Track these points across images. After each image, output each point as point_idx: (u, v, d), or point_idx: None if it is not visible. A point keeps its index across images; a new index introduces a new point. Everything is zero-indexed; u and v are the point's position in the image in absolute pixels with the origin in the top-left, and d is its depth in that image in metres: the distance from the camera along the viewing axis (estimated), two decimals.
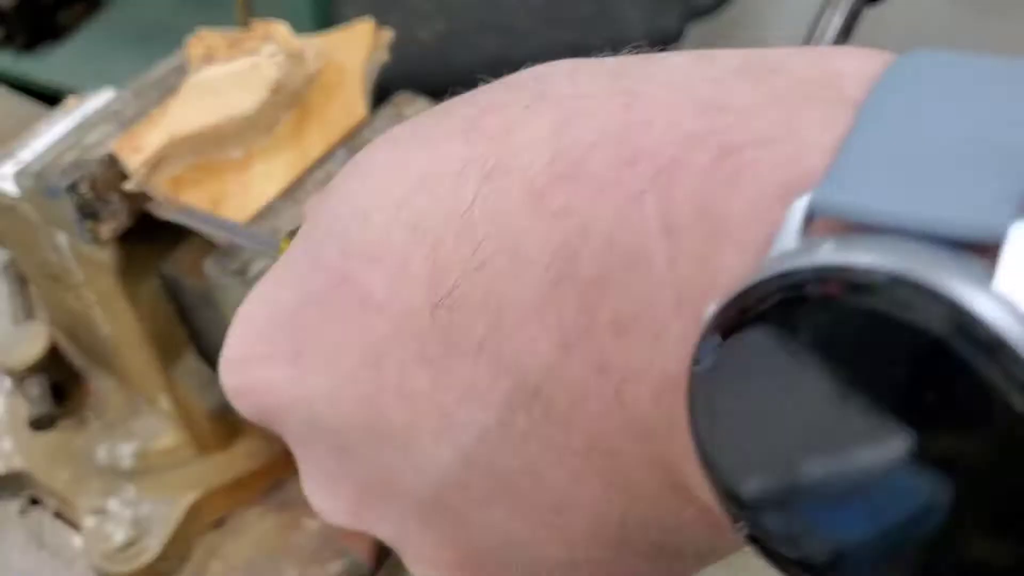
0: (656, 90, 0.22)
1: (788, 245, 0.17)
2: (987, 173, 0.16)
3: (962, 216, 0.16)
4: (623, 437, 0.22)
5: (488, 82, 0.28)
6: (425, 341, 0.24)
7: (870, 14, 0.66)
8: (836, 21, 0.64)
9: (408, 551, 0.29)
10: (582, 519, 0.24)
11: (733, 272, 0.19)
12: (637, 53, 0.26)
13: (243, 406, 0.30)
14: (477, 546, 0.27)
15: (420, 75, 1.65)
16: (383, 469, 0.27)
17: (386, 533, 0.29)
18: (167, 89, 0.56)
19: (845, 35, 0.64)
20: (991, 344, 0.15)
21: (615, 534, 0.24)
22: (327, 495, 0.30)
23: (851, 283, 0.16)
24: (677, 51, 0.24)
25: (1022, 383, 0.15)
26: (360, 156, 0.29)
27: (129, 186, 0.51)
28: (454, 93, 0.33)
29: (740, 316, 0.18)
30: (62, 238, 0.59)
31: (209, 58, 0.55)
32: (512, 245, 0.22)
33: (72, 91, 0.66)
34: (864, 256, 0.16)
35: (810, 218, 0.18)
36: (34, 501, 0.72)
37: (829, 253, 0.16)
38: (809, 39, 0.64)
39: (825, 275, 0.16)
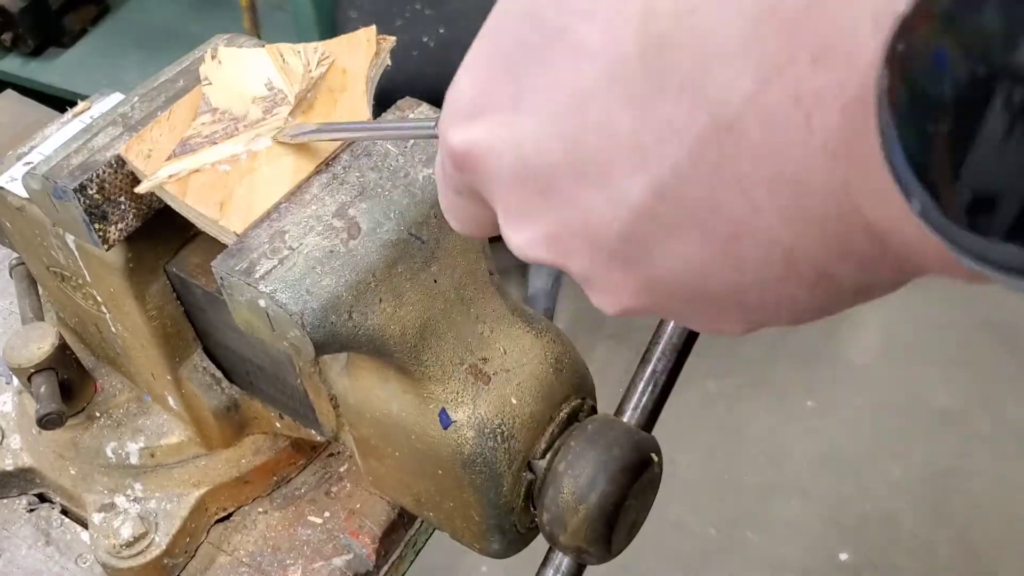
0: None
1: None
2: None
3: None
4: (807, 163, 0.26)
5: None
6: (631, 83, 0.28)
7: None
8: None
9: (594, 283, 0.33)
10: (755, 246, 0.28)
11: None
12: None
13: (459, 157, 0.33)
14: (655, 274, 0.31)
15: (422, 79, 1.66)
16: (580, 206, 0.31)
17: (576, 267, 0.33)
18: (174, 93, 0.57)
19: None
20: None
21: (782, 260, 0.28)
22: (526, 233, 0.33)
23: None
24: None
25: None
26: None
27: (137, 188, 0.52)
28: None
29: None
30: (70, 239, 0.60)
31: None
32: None
33: (79, 95, 0.67)
34: None
35: None
36: (42, 498, 0.73)
37: None
38: None
39: None
